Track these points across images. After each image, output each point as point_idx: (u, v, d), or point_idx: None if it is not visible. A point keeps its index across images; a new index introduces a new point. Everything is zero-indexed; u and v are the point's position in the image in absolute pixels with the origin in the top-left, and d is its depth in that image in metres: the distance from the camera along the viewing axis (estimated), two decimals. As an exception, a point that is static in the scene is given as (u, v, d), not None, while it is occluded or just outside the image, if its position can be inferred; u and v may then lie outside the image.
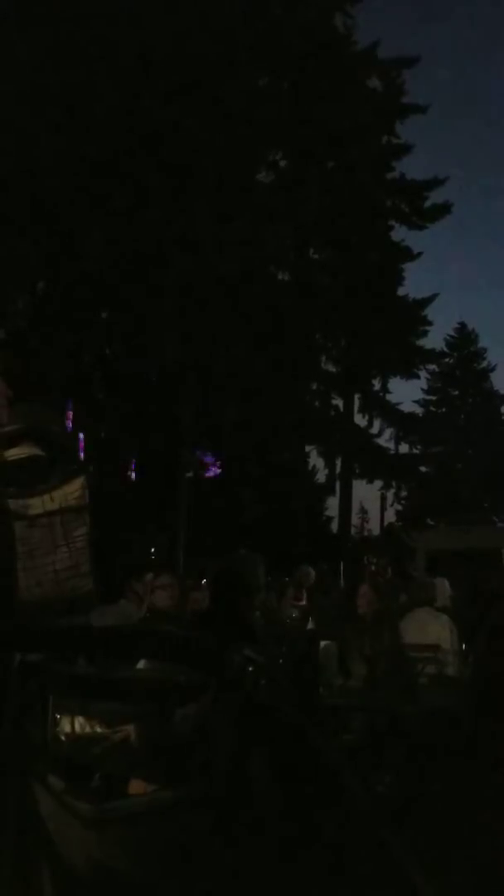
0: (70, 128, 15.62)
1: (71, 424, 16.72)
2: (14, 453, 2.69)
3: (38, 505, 2.61)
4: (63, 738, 2.41)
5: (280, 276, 23.90)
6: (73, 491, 2.69)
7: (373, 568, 9.59)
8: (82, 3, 15.98)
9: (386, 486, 28.72)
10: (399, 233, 28.02)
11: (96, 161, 16.06)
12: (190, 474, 16.72)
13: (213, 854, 2.04)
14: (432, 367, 33.82)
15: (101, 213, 16.25)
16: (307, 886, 2.08)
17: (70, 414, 17.38)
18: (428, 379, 35.72)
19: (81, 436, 16.70)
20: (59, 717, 2.39)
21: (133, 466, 20.35)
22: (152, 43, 16.56)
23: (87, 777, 2.29)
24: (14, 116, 14.60)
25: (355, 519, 34.17)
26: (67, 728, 2.46)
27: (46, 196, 15.71)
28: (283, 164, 24.03)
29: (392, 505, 29.17)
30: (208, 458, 20.71)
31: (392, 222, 27.85)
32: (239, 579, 4.41)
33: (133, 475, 20.47)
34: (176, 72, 16.90)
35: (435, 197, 27.72)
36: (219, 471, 21.28)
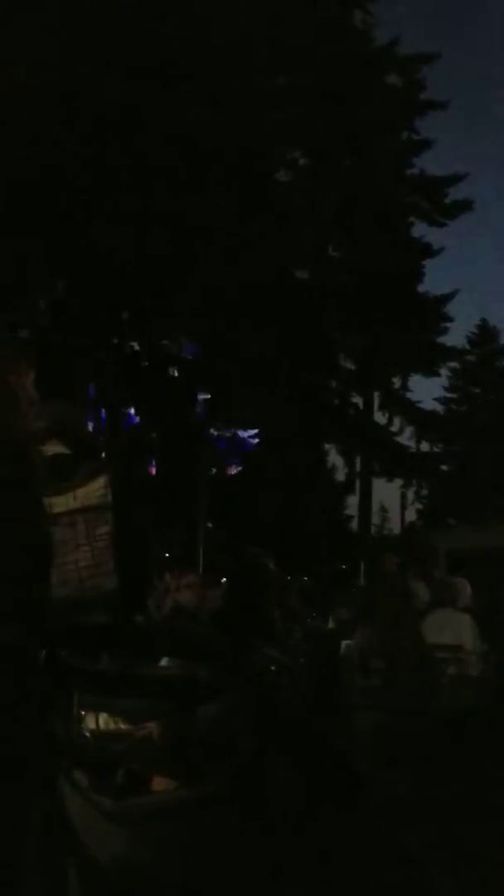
0: (88, 127, 15.70)
1: (92, 420, 16.78)
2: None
3: (61, 503, 2.64)
4: (87, 734, 2.44)
5: (298, 275, 23.88)
6: (95, 489, 2.72)
7: (393, 567, 9.55)
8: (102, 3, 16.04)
9: (406, 485, 28.57)
10: (419, 229, 27.93)
11: (115, 161, 16.13)
12: (213, 470, 16.76)
13: (233, 850, 2.06)
14: (453, 364, 33.61)
15: (121, 212, 16.32)
16: (327, 883, 2.10)
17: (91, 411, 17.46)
18: (449, 377, 35.51)
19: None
20: (83, 713, 2.42)
21: (153, 464, 20.40)
22: (170, 42, 16.59)
23: (111, 773, 2.31)
24: (32, 116, 14.69)
25: (375, 518, 34.07)
26: (92, 724, 2.48)
27: (66, 196, 15.80)
28: (302, 162, 24.01)
29: (412, 504, 29.00)
30: (230, 459, 20.76)
31: (412, 219, 27.73)
32: (253, 577, 4.42)
33: (153, 472, 20.54)
34: (195, 72, 16.93)
35: (455, 193, 27.61)
36: (238, 468, 21.29)
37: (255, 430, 20.65)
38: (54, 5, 15.18)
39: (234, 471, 19.38)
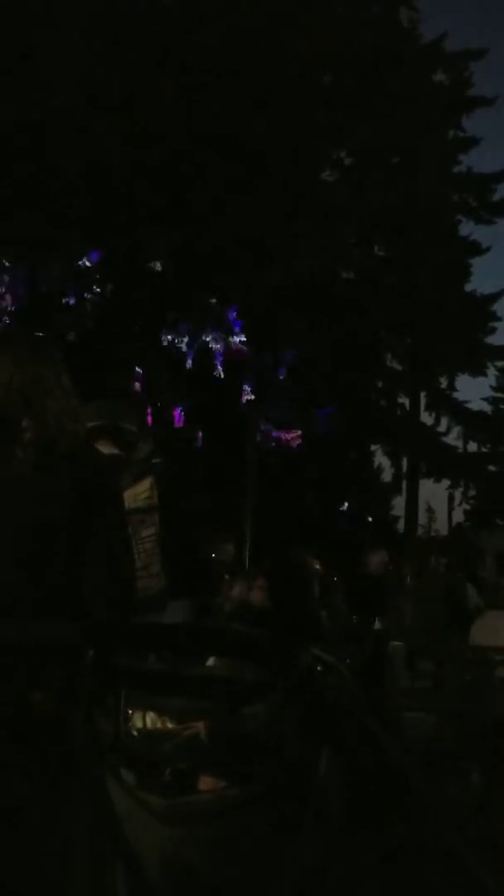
0: (133, 129, 15.83)
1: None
2: None
3: (108, 505, 2.65)
4: (135, 733, 2.45)
5: (344, 275, 23.79)
6: (141, 492, 2.72)
7: (441, 569, 9.48)
8: (144, 4, 16.19)
9: (454, 486, 28.31)
10: (466, 227, 27.68)
11: (161, 161, 16.24)
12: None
13: (280, 851, 2.05)
14: (501, 364, 33.16)
15: (167, 214, 16.43)
16: (374, 888, 2.08)
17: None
18: (497, 376, 35.01)
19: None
20: (130, 712, 2.43)
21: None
22: (215, 44, 16.66)
23: (159, 772, 2.32)
24: (79, 118, 14.87)
25: (422, 518, 33.76)
26: (139, 723, 2.50)
27: (112, 197, 15.96)
28: (347, 161, 23.91)
29: (460, 504, 28.74)
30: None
31: (459, 217, 27.48)
32: (296, 576, 4.41)
33: (198, 472, 20.61)
34: (239, 72, 16.97)
35: (503, 190, 27.32)
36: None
37: (298, 433, 20.57)
38: (95, 7, 15.34)
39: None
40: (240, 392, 19.11)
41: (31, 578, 1.88)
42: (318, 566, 5.20)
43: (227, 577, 7.02)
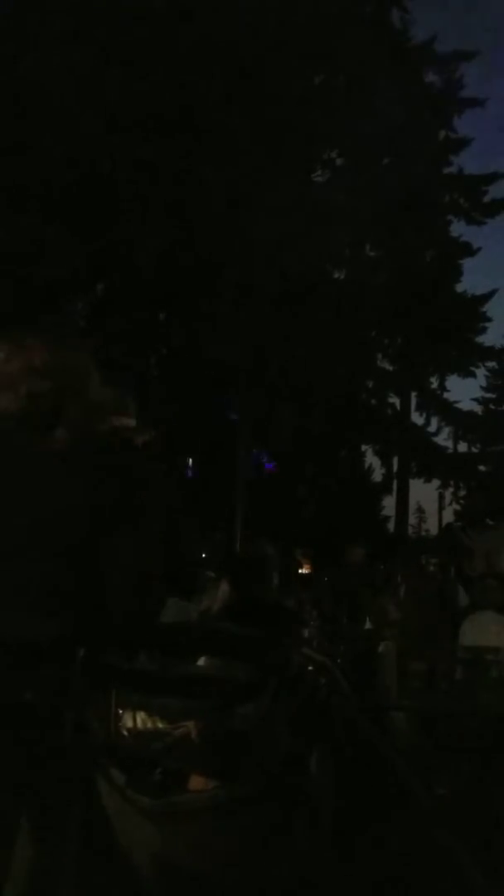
0: (124, 126, 15.80)
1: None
2: None
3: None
4: (125, 732, 2.45)
5: (336, 275, 23.80)
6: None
7: (431, 568, 9.49)
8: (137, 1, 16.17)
9: (444, 486, 28.34)
10: (457, 228, 27.72)
11: (151, 159, 16.22)
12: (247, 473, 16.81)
13: (271, 850, 2.05)
14: (491, 364, 33.26)
15: (157, 213, 16.41)
16: (366, 887, 2.08)
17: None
18: (487, 376, 35.12)
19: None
20: (121, 712, 2.43)
21: (189, 466, 20.48)
22: (205, 41, 16.64)
23: (149, 771, 2.32)
24: (70, 117, 14.83)
25: (412, 519, 33.84)
26: (129, 723, 2.49)
27: (104, 198, 15.93)
28: (338, 161, 23.92)
29: (450, 504, 28.74)
30: (265, 461, 20.69)
31: (450, 217, 27.53)
32: (254, 571, 4.35)
33: (189, 474, 20.62)
34: (230, 71, 16.96)
35: (494, 191, 27.34)
36: (272, 465, 21.18)
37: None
38: (83, 11, 15.30)
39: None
40: (231, 390, 19.10)
41: (58, 562, 1.86)
42: (275, 557, 5.12)
43: (211, 575, 7.02)
